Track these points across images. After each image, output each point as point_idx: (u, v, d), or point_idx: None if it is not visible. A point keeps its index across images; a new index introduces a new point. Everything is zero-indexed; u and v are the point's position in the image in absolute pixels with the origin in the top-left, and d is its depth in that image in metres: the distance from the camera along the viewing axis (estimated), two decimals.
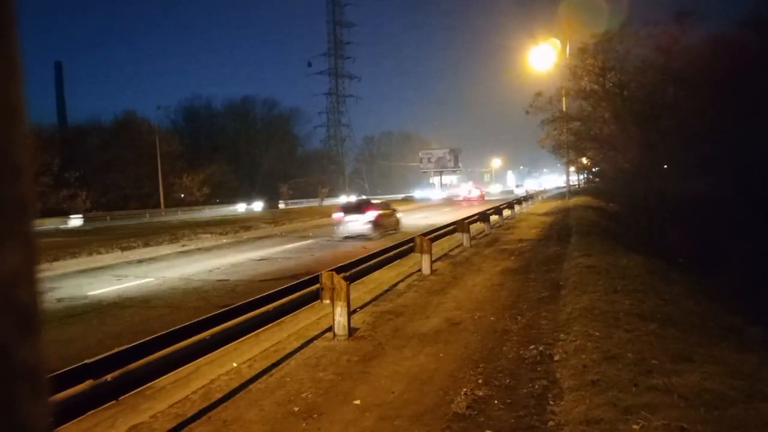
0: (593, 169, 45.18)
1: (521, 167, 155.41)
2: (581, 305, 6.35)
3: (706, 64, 17.68)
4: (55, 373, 3.00)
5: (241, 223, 27.84)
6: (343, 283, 6.01)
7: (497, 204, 23.44)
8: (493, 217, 19.26)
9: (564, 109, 24.36)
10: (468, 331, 6.03)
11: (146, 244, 18.39)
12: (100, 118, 60.81)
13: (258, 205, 54.63)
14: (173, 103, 78.00)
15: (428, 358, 5.21)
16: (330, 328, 6.10)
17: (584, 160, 37.10)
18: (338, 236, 18.17)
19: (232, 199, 57.89)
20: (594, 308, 6.10)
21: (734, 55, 17.21)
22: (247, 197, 58.83)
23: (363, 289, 8.47)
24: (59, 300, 9.06)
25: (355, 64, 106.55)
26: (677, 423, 3.16)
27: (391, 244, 9.73)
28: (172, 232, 22.91)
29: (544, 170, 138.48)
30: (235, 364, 5.27)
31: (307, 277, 6.19)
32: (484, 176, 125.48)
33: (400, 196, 68.67)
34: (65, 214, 39.75)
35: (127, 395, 3.46)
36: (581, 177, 60.67)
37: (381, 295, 8.28)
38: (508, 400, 4.07)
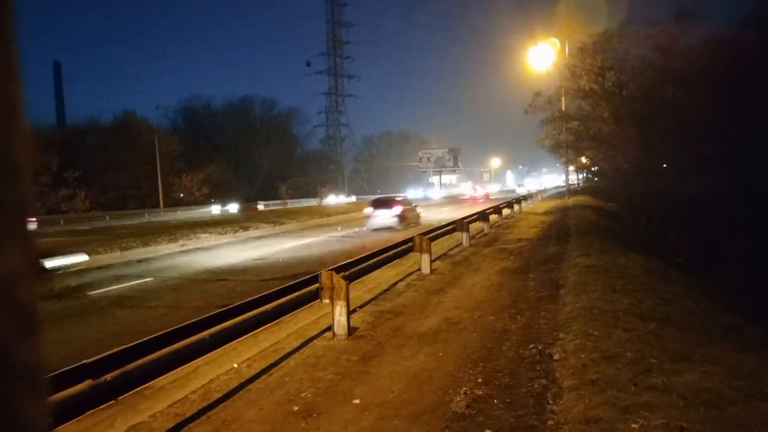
0: (592, 169, 45.28)
1: (520, 167, 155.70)
2: (580, 305, 6.35)
3: (706, 64, 17.69)
4: (54, 373, 3.00)
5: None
6: (343, 283, 6.01)
7: (498, 203, 23.60)
8: (493, 217, 19.27)
9: (563, 109, 24.39)
10: (467, 331, 6.03)
11: None
12: (100, 118, 60.67)
13: (233, 207, 52.76)
14: (172, 103, 77.77)
15: (427, 357, 5.21)
16: (329, 328, 6.10)
17: (583, 160, 37.13)
18: (367, 229, 20.07)
19: (224, 199, 55.68)
20: (593, 308, 6.10)
21: (734, 55, 17.21)
22: (243, 197, 58.50)
23: (362, 289, 8.47)
24: (59, 300, 9.06)
25: (355, 64, 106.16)
26: (676, 422, 3.16)
27: (389, 244, 9.73)
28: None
29: (543, 170, 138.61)
30: (235, 365, 5.27)
31: (306, 277, 6.19)
32: (483, 176, 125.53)
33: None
34: (65, 213, 39.61)
35: (126, 395, 3.45)
36: (580, 176, 60.73)
37: (380, 294, 8.28)
38: (508, 400, 4.07)
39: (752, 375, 4.09)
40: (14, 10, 0.49)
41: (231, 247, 17.29)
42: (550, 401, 3.99)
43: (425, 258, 10.02)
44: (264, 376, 4.94)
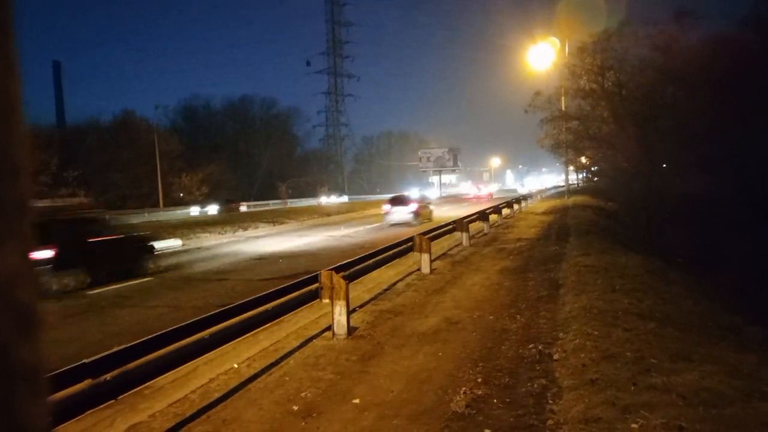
0: (592, 169, 45.28)
1: (520, 166, 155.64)
2: (580, 304, 6.35)
3: (706, 63, 17.68)
4: (53, 373, 3.00)
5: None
6: (342, 282, 6.01)
7: (498, 203, 23.66)
8: (492, 216, 19.28)
9: (563, 109, 24.40)
10: (467, 331, 6.03)
11: None
12: (99, 117, 60.51)
13: (213, 208, 50.52)
14: (172, 103, 77.64)
15: (427, 357, 5.21)
16: (329, 328, 6.10)
17: (583, 160, 37.17)
18: (386, 224, 21.57)
19: (215, 200, 54.31)
20: (593, 307, 6.10)
21: (733, 54, 17.20)
22: (241, 196, 58.35)
23: (362, 288, 8.47)
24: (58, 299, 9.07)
25: (354, 64, 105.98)
26: (676, 422, 3.16)
27: (388, 244, 9.73)
28: None
29: (543, 169, 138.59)
30: (234, 364, 5.27)
31: (305, 277, 6.19)
32: (483, 175, 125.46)
33: (388, 196, 67.94)
34: None
35: (125, 395, 3.45)
36: (580, 176, 60.73)
37: (380, 294, 8.28)
38: (507, 399, 4.08)
39: (752, 375, 4.09)
40: (14, 10, 0.49)
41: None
42: (550, 401, 3.99)
43: (425, 258, 10.02)
44: (264, 376, 4.94)
